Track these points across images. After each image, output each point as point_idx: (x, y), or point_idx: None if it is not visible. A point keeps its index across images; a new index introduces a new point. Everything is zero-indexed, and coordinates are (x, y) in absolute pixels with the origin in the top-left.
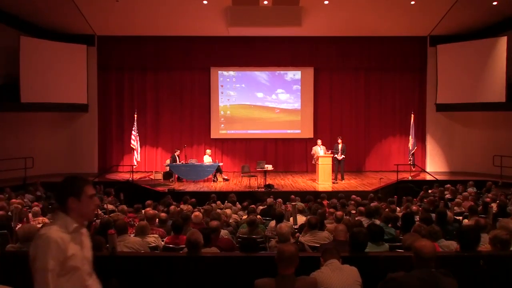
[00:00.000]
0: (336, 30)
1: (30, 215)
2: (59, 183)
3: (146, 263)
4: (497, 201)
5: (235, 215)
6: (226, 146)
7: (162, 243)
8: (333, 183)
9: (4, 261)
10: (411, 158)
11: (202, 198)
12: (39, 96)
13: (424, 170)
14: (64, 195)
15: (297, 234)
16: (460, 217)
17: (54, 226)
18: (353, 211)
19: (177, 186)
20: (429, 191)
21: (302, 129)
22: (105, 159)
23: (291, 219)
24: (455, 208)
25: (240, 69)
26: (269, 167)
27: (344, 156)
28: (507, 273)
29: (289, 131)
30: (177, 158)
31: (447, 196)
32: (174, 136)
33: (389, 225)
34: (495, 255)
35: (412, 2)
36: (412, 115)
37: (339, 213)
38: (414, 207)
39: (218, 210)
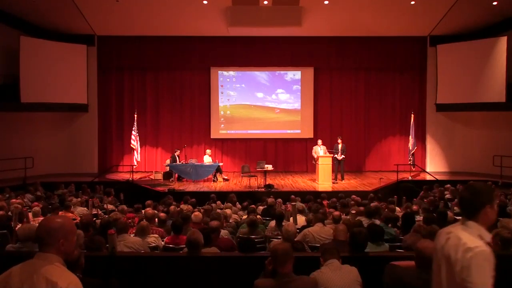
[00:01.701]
0: (336, 30)
1: (30, 215)
2: (471, 188)
3: (146, 263)
4: (497, 201)
5: (235, 215)
6: (226, 146)
7: (162, 243)
8: (333, 183)
9: (4, 261)
10: (411, 158)
11: (202, 198)
12: (39, 96)
13: (424, 170)
14: (481, 202)
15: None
16: (460, 217)
17: (475, 237)
18: (353, 211)
19: (177, 186)
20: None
21: (302, 129)
22: (105, 159)
23: (291, 219)
24: (455, 208)
25: (240, 69)
26: (269, 167)
27: (344, 156)
28: (507, 273)
29: (289, 131)
30: (177, 158)
31: (447, 196)
32: (174, 136)
33: (389, 225)
34: (495, 255)
35: (412, 2)
36: (412, 115)
37: (336, 213)
38: (414, 207)
39: (218, 210)
